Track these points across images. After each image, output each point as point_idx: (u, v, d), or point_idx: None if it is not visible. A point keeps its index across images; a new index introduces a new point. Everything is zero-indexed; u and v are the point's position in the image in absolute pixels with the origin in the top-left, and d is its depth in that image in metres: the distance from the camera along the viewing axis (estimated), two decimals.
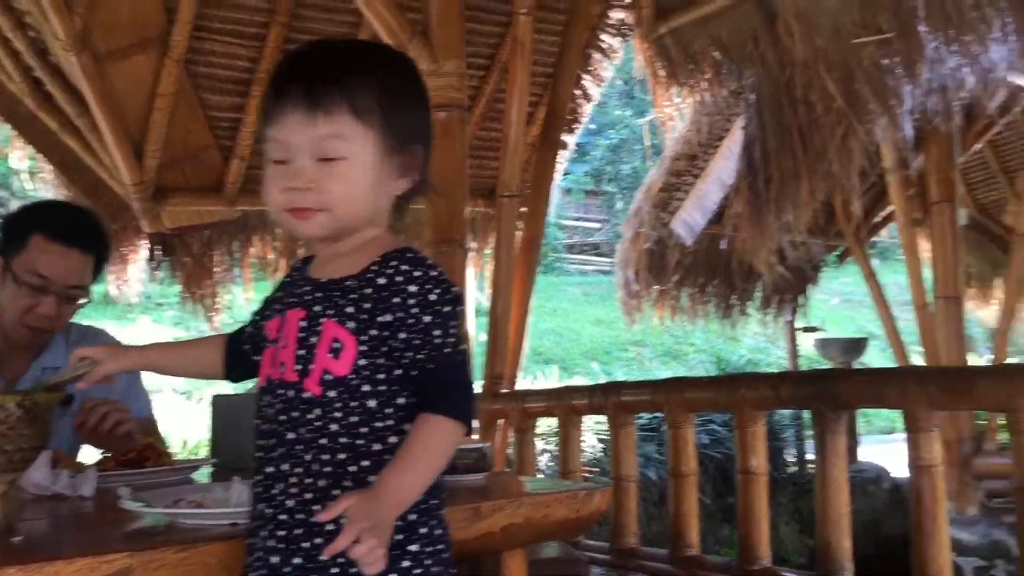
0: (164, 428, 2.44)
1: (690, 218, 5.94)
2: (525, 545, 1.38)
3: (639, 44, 4.57)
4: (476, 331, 3.48)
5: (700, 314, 6.84)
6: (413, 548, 1.14)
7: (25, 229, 2.12)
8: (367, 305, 1.17)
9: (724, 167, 5.72)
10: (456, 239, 3.33)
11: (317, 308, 1.20)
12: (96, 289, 2.33)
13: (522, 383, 4.16)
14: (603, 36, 4.63)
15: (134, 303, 6.04)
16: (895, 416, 12.28)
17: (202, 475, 1.72)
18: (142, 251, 4.52)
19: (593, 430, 5.74)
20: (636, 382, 2.92)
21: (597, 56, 4.66)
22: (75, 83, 3.81)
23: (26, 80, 3.99)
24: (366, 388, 1.16)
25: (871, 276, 6.48)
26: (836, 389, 2.22)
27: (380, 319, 1.16)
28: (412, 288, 1.16)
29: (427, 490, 1.14)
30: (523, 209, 3.90)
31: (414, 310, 1.15)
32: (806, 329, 7.92)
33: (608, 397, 2.81)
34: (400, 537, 1.13)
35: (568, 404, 2.98)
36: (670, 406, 2.62)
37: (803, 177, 4.12)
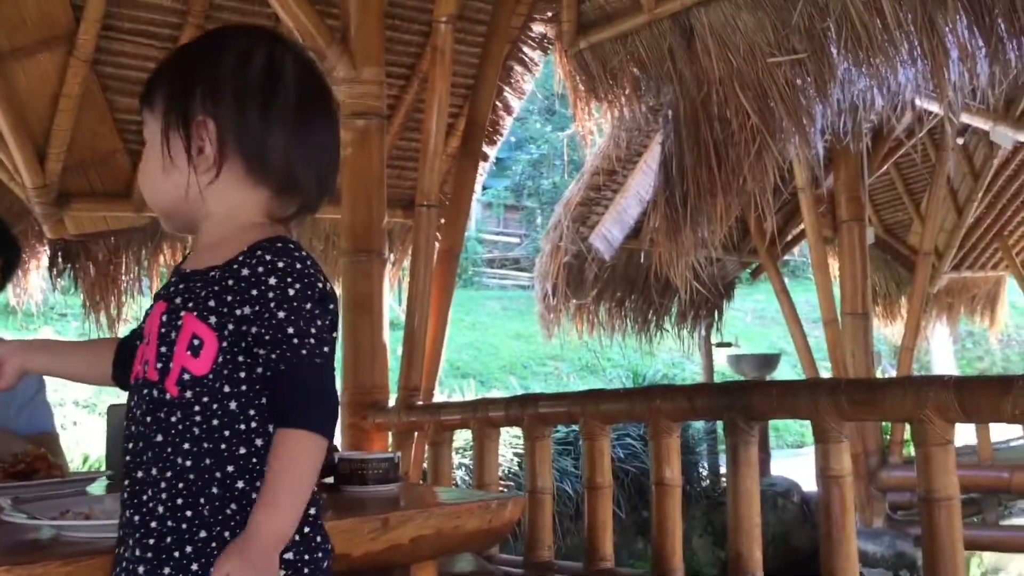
0: (65, 442, 2.34)
1: (608, 233, 5.99)
2: (436, 557, 1.35)
3: (559, 58, 4.60)
4: (391, 344, 3.43)
5: (617, 329, 6.89)
6: (288, 556, 1.10)
7: None
8: (228, 298, 1.12)
9: (642, 182, 5.79)
10: (374, 249, 3.28)
11: (178, 300, 1.16)
12: None
13: (439, 397, 4.12)
14: (524, 49, 4.64)
15: (35, 313, 5.81)
16: (805, 431, 12.59)
17: (97, 488, 1.64)
18: (43, 258, 4.36)
19: (509, 444, 5.72)
20: (552, 394, 2.92)
21: (518, 69, 4.66)
22: None
23: None
24: (227, 389, 1.12)
25: (783, 292, 6.62)
26: (749, 400, 2.24)
27: (239, 312, 1.11)
28: (272, 280, 1.11)
29: None
30: (442, 220, 3.87)
31: (271, 304, 1.10)
32: (720, 344, 8.05)
33: (524, 409, 2.79)
34: None
35: (484, 416, 2.95)
36: (586, 418, 2.61)
37: (719, 192, 4.18)
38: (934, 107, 6.05)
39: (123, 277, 4.47)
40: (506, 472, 5.58)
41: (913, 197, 8.80)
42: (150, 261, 4.52)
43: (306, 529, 1.13)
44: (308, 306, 1.11)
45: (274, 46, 1.26)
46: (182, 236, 4.53)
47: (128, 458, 1.15)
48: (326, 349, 1.12)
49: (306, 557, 1.12)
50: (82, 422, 8.61)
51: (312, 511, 1.15)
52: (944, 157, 6.36)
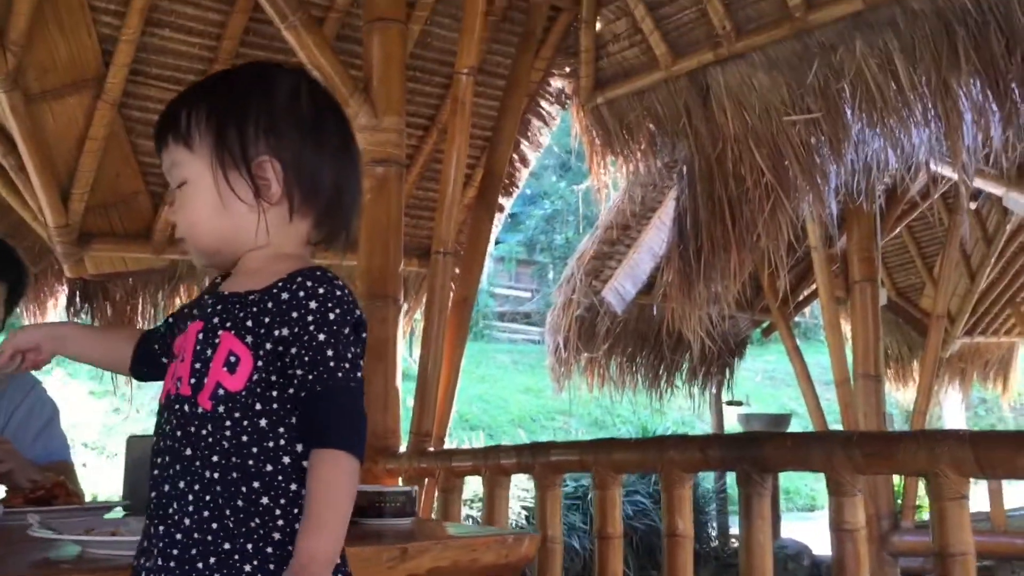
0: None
1: (621, 287, 6.01)
2: None
3: (576, 112, 4.67)
4: (403, 391, 3.43)
5: (628, 384, 6.87)
6: None
7: None
8: (266, 319, 1.14)
9: (656, 238, 5.83)
10: (390, 294, 3.30)
11: (216, 320, 1.17)
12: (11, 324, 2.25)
13: (449, 447, 4.10)
14: (542, 103, 4.71)
15: None
16: (816, 494, 12.45)
17: (114, 516, 1.65)
18: (61, 297, 4.40)
19: (517, 496, 5.68)
20: (564, 442, 2.90)
21: (536, 122, 4.73)
22: (2, 122, 3.73)
23: None
24: (258, 406, 1.13)
25: (795, 351, 6.60)
26: (763, 452, 2.23)
27: (276, 333, 1.13)
28: (312, 304, 1.13)
29: None
30: (456, 270, 3.90)
31: (311, 327, 1.12)
32: (730, 403, 8.02)
33: (536, 457, 2.79)
34: None
35: (495, 464, 2.94)
36: (598, 467, 2.60)
37: (733, 248, 4.21)
38: (947, 171, 6.11)
39: (139, 318, 4.49)
40: (514, 525, 5.53)
41: (926, 261, 8.82)
42: (166, 303, 4.55)
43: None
44: (346, 331, 1.14)
45: (310, 80, 1.31)
46: (197, 279, 4.58)
47: (156, 472, 1.17)
48: (359, 375, 1.15)
49: None
50: (91, 463, 8.60)
51: None
52: (958, 221, 6.37)
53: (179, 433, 1.15)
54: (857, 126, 3.83)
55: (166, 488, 1.14)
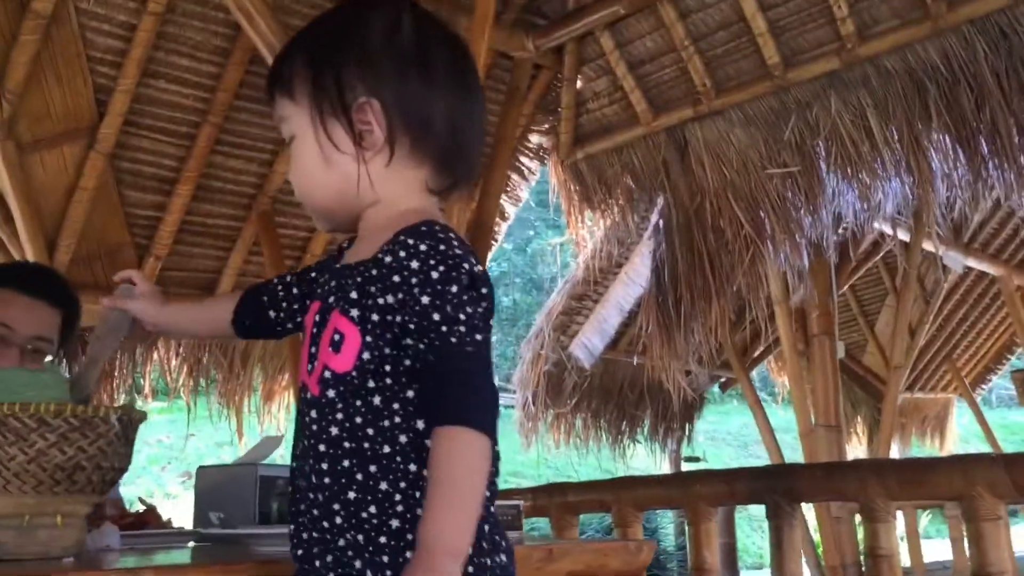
0: None
1: (589, 342, 6.08)
2: None
3: (554, 167, 4.77)
4: None
5: (592, 439, 6.92)
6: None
7: None
8: (371, 288, 1.04)
9: (624, 293, 5.93)
10: None
11: (331, 299, 1.09)
12: None
13: None
14: (521, 158, 4.80)
15: None
16: (763, 551, 12.52)
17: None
18: None
19: None
20: (583, 482, 2.93)
21: (515, 177, 4.82)
22: None
23: None
24: (371, 383, 1.03)
25: (757, 404, 6.72)
26: (794, 482, 2.30)
27: (381, 301, 1.03)
28: (414, 264, 1.01)
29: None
30: None
31: (415, 290, 1.01)
32: (688, 459, 8.09)
33: (552, 498, 2.81)
34: (409, 553, 0.99)
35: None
36: (619, 504, 2.63)
37: (713, 298, 4.32)
38: (890, 229, 6.36)
39: (116, 372, 4.41)
40: None
41: (867, 318, 9.11)
42: (144, 357, 4.48)
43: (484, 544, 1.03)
44: (454, 289, 1.01)
45: (415, 9, 1.19)
46: (177, 333, 4.51)
47: (292, 465, 1.12)
48: (479, 337, 1.01)
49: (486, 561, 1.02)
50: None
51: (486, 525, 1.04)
52: (910, 277, 6.60)
53: (302, 422, 1.09)
54: (832, 180, 4.00)
55: (300, 483, 1.08)
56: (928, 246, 6.82)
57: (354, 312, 1.04)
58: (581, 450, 6.89)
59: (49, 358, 2.04)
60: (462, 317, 1.00)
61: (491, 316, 1.09)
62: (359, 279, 1.06)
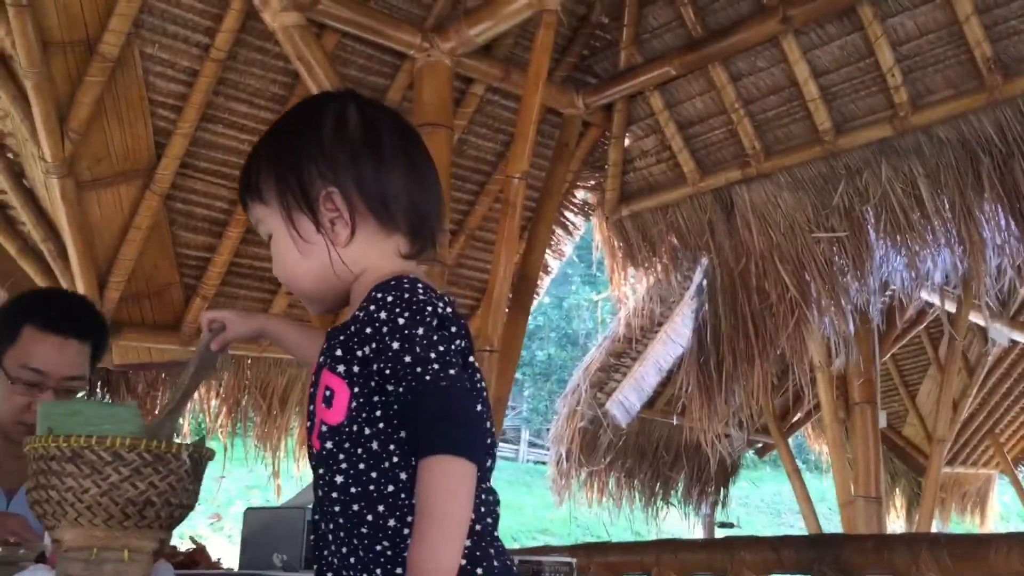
0: None
1: (626, 400, 6.04)
2: None
3: (599, 224, 4.79)
4: None
5: (625, 499, 6.83)
6: None
7: (16, 321, 2.01)
8: (350, 344, 1.13)
9: (663, 352, 5.90)
10: None
11: (320, 359, 1.18)
12: None
13: None
14: (566, 213, 4.83)
15: None
16: None
17: None
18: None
19: None
20: (624, 543, 2.88)
21: (559, 232, 4.84)
22: (47, 208, 3.76)
23: None
24: (367, 431, 1.11)
25: (795, 472, 6.61)
26: (842, 553, 2.25)
27: (359, 353, 1.11)
28: (383, 315, 1.10)
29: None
30: None
31: (386, 338, 1.09)
32: (722, 525, 7.96)
33: (591, 557, 2.77)
34: None
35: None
36: (660, 567, 2.59)
37: (756, 361, 4.28)
38: (936, 299, 6.29)
39: (158, 411, 4.43)
40: None
41: (908, 389, 8.98)
42: None
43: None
44: (420, 331, 1.09)
45: (358, 100, 1.31)
46: (218, 374, 4.55)
47: (314, 518, 1.19)
48: (452, 372, 1.07)
49: None
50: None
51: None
52: (955, 348, 6.50)
53: (315, 477, 1.17)
54: (880, 247, 3.98)
55: (320, 531, 1.16)
56: (975, 318, 6.74)
57: (340, 368, 1.13)
58: (613, 510, 6.80)
59: (82, 392, 2.05)
60: (432, 355, 1.07)
61: (469, 352, 1.17)
62: (342, 337, 1.15)
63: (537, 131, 4.39)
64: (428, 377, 1.05)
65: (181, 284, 4.09)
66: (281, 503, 1.88)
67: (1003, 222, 3.65)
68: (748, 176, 4.15)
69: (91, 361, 2.08)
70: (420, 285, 1.15)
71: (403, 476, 1.09)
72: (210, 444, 1.20)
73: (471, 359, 1.16)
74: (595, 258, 4.98)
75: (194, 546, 1.62)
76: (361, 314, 1.13)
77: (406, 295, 1.12)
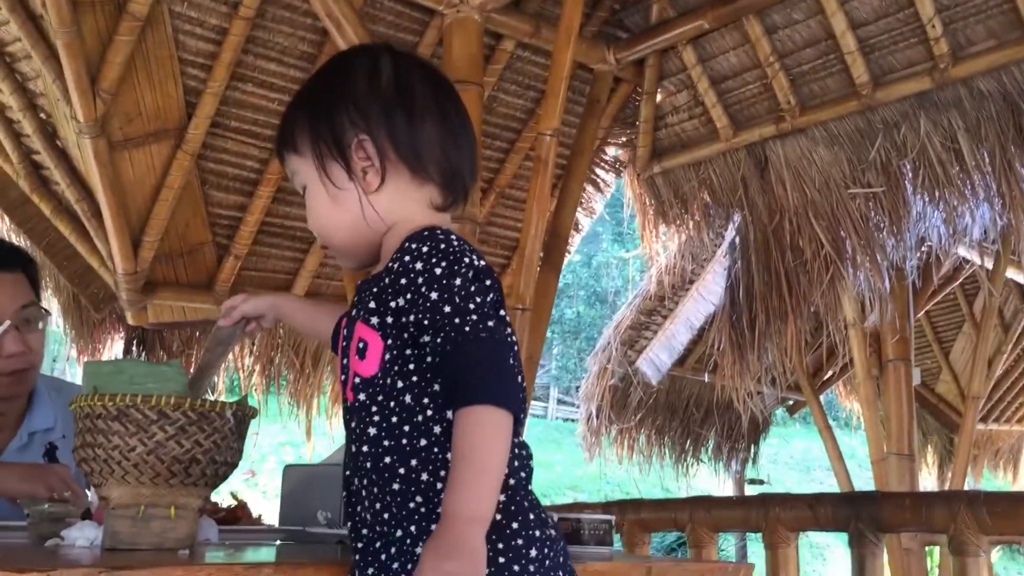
0: None
1: (657, 358, 6.03)
2: None
3: (630, 181, 4.75)
4: None
5: (655, 456, 6.85)
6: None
7: None
8: (384, 295, 1.13)
9: (694, 310, 5.87)
10: None
11: (352, 313, 1.19)
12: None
13: None
14: (597, 170, 4.79)
15: None
16: None
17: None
18: (119, 344, 4.39)
19: None
20: (657, 500, 2.89)
21: (590, 189, 4.80)
22: (80, 168, 3.77)
23: (24, 163, 3.94)
24: (399, 384, 1.11)
25: (827, 429, 6.58)
26: (879, 511, 2.24)
27: (393, 304, 1.11)
28: (418, 265, 1.10)
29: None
30: None
31: (423, 288, 1.09)
32: (752, 481, 7.97)
33: (624, 514, 2.77)
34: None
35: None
36: (694, 524, 2.59)
37: (790, 319, 4.25)
38: (972, 255, 6.20)
39: (193, 369, 4.48)
40: None
41: (942, 345, 8.90)
42: None
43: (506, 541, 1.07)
44: (458, 281, 1.08)
45: (392, 52, 1.32)
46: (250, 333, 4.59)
47: (345, 472, 1.19)
48: (490, 324, 1.08)
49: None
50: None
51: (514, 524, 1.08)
52: (991, 304, 6.42)
53: (347, 430, 1.17)
54: (918, 203, 3.91)
55: (352, 487, 1.16)
56: (1013, 274, 6.64)
57: (373, 320, 1.13)
58: (643, 467, 6.82)
59: (42, 323, 2.06)
60: (472, 306, 1.07)
61: (501, 306, 1.15)
62: (375, 289, 1.15)
63: (568, 87, 4.36)
64: (467, 328, 1.05)
65: (213, 243, 4.11)
66: (320, 460, 1.90)
67: None
68: (782, 131, 4.08)
69: (34, 286, 2.13)
70: (453, 236, 1.16)
71: (436, 430, 1.09)
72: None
73: (503, 312, 1.15)
74: (625, 215, 4.94)
75: (235, 502, 1.64)
76: (395, 265, 1.13)
77: (442, 245, 1.12)
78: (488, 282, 1.12)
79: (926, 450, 9.52)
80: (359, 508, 1.13)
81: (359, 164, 1.23)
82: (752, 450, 7.50)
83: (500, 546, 1.05)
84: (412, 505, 1.07)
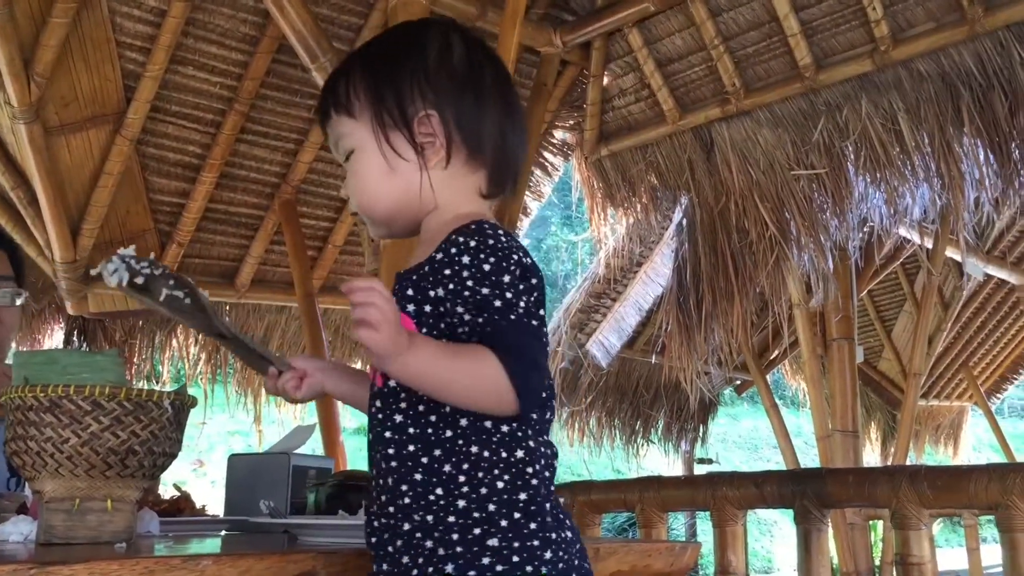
0: None
1: (606, 340, 6.06)
2: None
3: (578, 164, 4.75)
4: None
5: (606, 438, 6.89)
6: (492, 543, 1.04)
7: None
8: (423, 284, 1.11)
9: (642, 292, 5.90)
10: None
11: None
12: None
13: None
14: (545, 154, 4.78)
15: None
16: None
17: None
18: (59, 334, 4.30)
19: None
20: (608, 481, 2.90)
21: (538, 173, 4.80)
22: (15, 154, 3.68)
23: None
24: None
25: (773, 408, 6.68)
26: (824, 487, 2.27)
27: (432, 294, 1.09)
28: (465, 259, 1.08)
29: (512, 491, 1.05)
30: None
31: (469, 282, 1.06)
32: (700, 461, 8.07)
33: (575, 495, 2.79)
34: (478, 531, 1.04)
35: None
36: (643, 504, 2.61)
37: (736, 299, 4.29)
38: (912, 235, 6.32)
39: (136, 359, 4.41)
40: None
41: (884, 324, 9.07)
42: (164, 343, 4.47)
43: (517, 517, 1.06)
44: (507, 279, 1.07)
45: (462, 31, 1.28)
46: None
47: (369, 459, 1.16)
48: (534, 323, 1.07)
49: (515, 545, 1.04)
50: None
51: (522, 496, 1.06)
52: (932, 283, 6.55)
53: (370, 415, 1.15)
54: (860, 184, 3.97)
55: (373, 473, 1.14)
56: (952, 252, 6.78)
57: (410, 308, 1.10)
58: (594, 449, 6.86)
59: (18, 298, 2.05)
60: (521, 304, 1.06)
61: (542, 305, 1.13)
62: (414, 278, 1.12)
63: (514, 71, 4.36)
64: (513, 317, 1.05)
65: (155, 230, 4.04)
66: (265, 449, 1.87)
67: (982, 156, 3.64)
68: (728, 113, 4.11)
69: (15, 266, 2.12)
70: (501, 231, 1.13)
71: (463, 422, 1.07)
72: (190, 391, 1.18)
73: (542, 312, 1.13)
74: (574, 198, 4.94)
75: (178, 493, 1.62)
76: (439, 256, 1.10)
77: (490, 241, 1.09)
78: (534, 281, 1.11)
79: (870, 427, 9.72)
80: (383, 498, 1.11)
81: (422, 138, 1.19)
82: (701, 430, 7.58)
83: (516, 545, 1.04)
84: (432, 497, 1.06)
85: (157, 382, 4.65)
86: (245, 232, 4.28)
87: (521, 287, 1.08)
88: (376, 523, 1.10)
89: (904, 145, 3.76)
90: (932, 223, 5.97)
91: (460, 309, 1.06)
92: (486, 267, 1.07)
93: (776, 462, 12.28)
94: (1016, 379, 10.44)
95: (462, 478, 1.06)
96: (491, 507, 1.05)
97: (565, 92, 4.56)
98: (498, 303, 1.05)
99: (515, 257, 1.09)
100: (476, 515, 1.04)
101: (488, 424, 1.07)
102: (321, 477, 1.70)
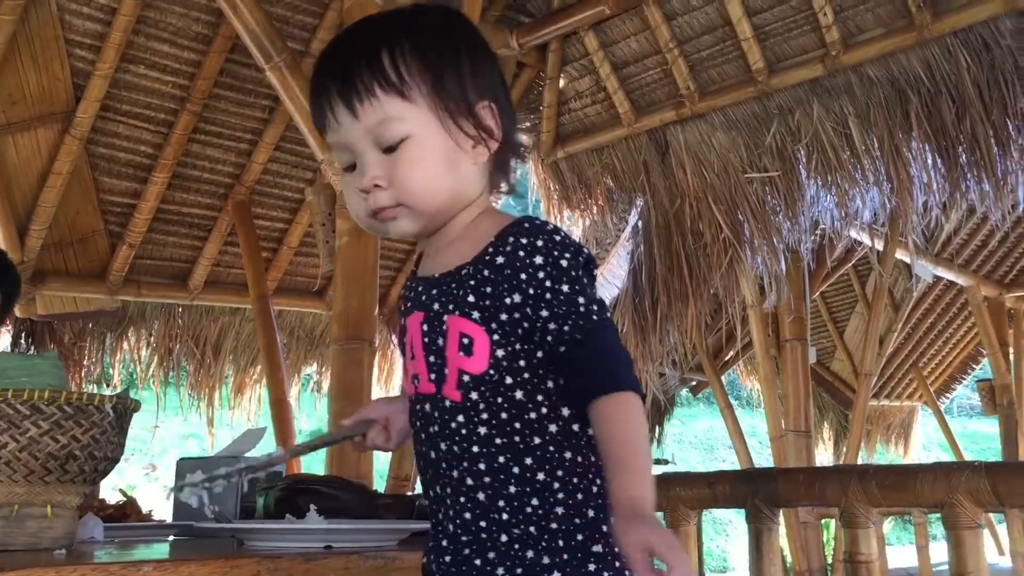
0: None
1: None
2: None
3: (535, 167, 4.76)
4: None
5: None
6: (597, 549, 1.03)
7: None
8: (489, 289, 1.05)
9: (600, 294, 5.91)
10: (365, 337, 3.27)
11: (436, 307, 1.08)
12: None
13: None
14: None
15: None
16: None
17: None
18: (5, 338, 4.22)
19: None
20: None
21: None
22: None
23: None
24: (508, 380, 1.05)
25: (728, 408, 6.74)
26: (775, 487, 2.30)
27: (508, 300, 1.04)
28: (538, 260, 1.04)
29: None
30: None
31: (547, 283, 1.03)
32: (657, 462, 8.11)
33: None
34: (581, 537, 1.02)
35: None
36: None
37: (690, 301, 4.32)
38: (863, 237, 6.41)
39: (86, 360, 4.33)
40: None
41: (836, 325, 9.19)
42: (115, 345, 4.41)
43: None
44: (580, 273, 1.05)
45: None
46: (146, 323, 4.46)
47: (422, 476, 1.12)
48: (607, 314, 1.06)
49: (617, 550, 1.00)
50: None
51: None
52: (882, 285, 6.66)
53: (423, 435, 1.09)
54: (811, 186, 4.02)
55: (431, 494, 1.10)
56: (901, 255, 6.89)
57: (475, 314, 1.05)
58: None
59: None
60: (597, 297, 1.05)
61: None
62: (472, 282, 1.06)
63: None
64: (595, 317, 1.03)
65: (106, 231, 3.98)
66: (214, 452, 1.85)
67: (930, 160, 3.70)
68: (682, 116, 4.14)
69: (2, 308, 2.07)
70: (557, 226, 1.10)
71: (552, 429, 1.04)
72: (142, 394, 1.16)
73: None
74: (530, 201, 4.95)
75: (124, 498, 1.59)
76: (500, 259, 1.05)
77: (556, 237, 1.06)
78: (594, 271, 1.10)
79: (822, 426, 9.85)
80: (440, 516, 1.08)
81: (485, 129, 1.11)
82: (657, 431, 7.63)
83: (617, 550, 0.98)
84: (529, 509, 1.03)
85: (108, 385, 4.58)
86: (198, 233, 4.24)
87: (587, 280, 1.06)
88: (451, 544, 1.06)
89: (854, 149, 3.81)
90: (882, 226, 6.08)
91: (545, 313, 1.03)
92: (563, 263, 1.04)
93: (732, 462, 12.41)
94: (964, 379, 10.64)
95: (556, 485, 1.04)
96: (590, 512, 1.03)
97: (521, 95, 4.58)
98: (581, 300, 1.03)
99: (585, 251, 1.09)
100: (577, 521, 1.03)
101: (576, 428, 1.05)
102: (271, 480, 1.68)
